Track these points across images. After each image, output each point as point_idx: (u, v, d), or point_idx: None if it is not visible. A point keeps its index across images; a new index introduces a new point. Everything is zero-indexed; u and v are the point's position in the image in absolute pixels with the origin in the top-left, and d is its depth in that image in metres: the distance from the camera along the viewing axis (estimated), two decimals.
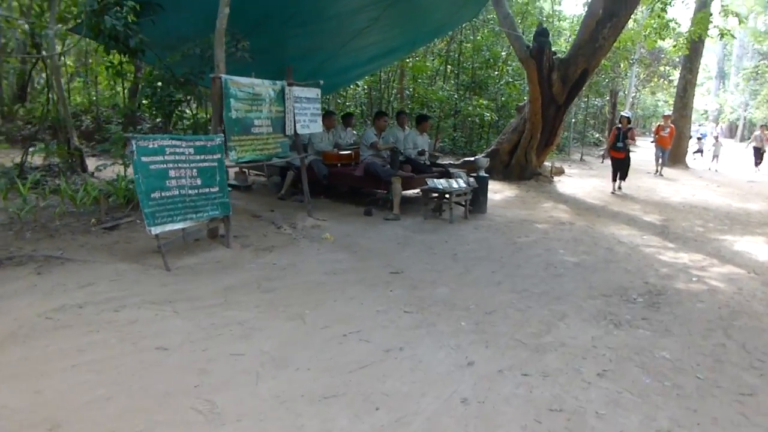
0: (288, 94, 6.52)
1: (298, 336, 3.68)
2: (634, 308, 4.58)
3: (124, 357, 3.24)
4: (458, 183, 7.97)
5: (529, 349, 3.67)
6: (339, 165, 8.78)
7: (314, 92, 7.18)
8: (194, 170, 5.15)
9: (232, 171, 9.72)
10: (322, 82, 7.36)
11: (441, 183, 7.71)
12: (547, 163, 13.98)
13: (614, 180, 11.84)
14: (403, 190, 8.22)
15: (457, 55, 18.89)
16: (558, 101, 12.36)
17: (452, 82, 19.40)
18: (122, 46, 6.76)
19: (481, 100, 16.42)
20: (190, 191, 5.12)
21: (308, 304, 4.25)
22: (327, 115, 9.23)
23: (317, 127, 7.31)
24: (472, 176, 8.53)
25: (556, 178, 13.40)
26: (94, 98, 12.94)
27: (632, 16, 14.17)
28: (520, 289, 4.92)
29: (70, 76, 14.05)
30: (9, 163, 8.41)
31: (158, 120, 9.07)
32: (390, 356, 3.45)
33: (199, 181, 5.20)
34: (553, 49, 12.44)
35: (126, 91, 9.60)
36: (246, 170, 9.72)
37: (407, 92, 18.22)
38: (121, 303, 4.04)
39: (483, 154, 13.75)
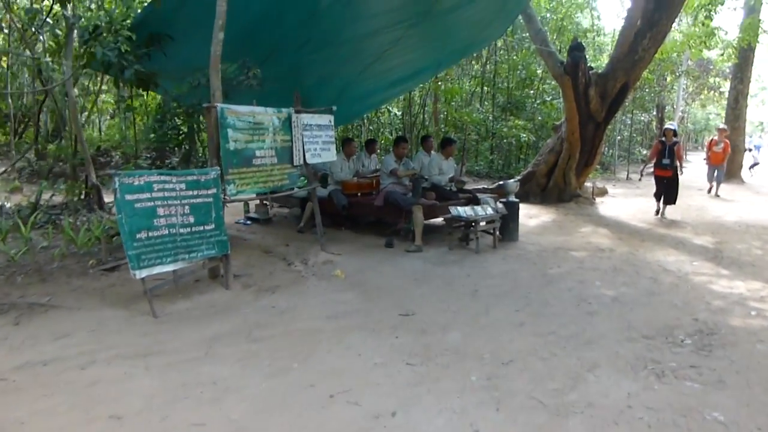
0: (295, 121, 6.15)
1: (277, 398, 3.19)
2: (680, 353, 3.92)
3: (70, 429, 2.82)
4: (485, 210, 7.40)
5: (549, 411, 3.08)
6: (359, 194, 8.35)
7: (326, 119, 6.79)
8: (186, 207, 4.79)
9: (252, 204, 9.44)
10: (334, 108, 6.97)
11: (465, 211, 7.16)
12: (588, 184, 13.22)
13: (657, 198, 10.32)
14: (427, 219, 7.70)
15: (492, 76, 18.38)
16: (597, 118, 11.66)
17: (487, 103, 18.87)
18: (118, 76, 6.60)
19: (517, 121, 15.81)
20: (181, 230, 4.75)
21: (298, 356, 3.77)
22: (346, 142, 8.86)
23: (330, 155, 6.91)
24: (501, 202, 7.95)
25: (598, 200, 12.61)
26: (124, 134, 12.99)
27: (674, 25, 13.40)
28: (545, 331, 4.31)
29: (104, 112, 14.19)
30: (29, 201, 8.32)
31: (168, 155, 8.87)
32: (378, 424, 2.92)
33: (191, 219, 4.83)
34: (590, 64, 11.81)
35: (138, 125, 9.51)
36: (266, 202, 9.39)
37: (441, 115, 17.78)
38: (91, 358, 3.66)
39: (518, 177, 13.14)
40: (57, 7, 6.72)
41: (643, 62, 11.14)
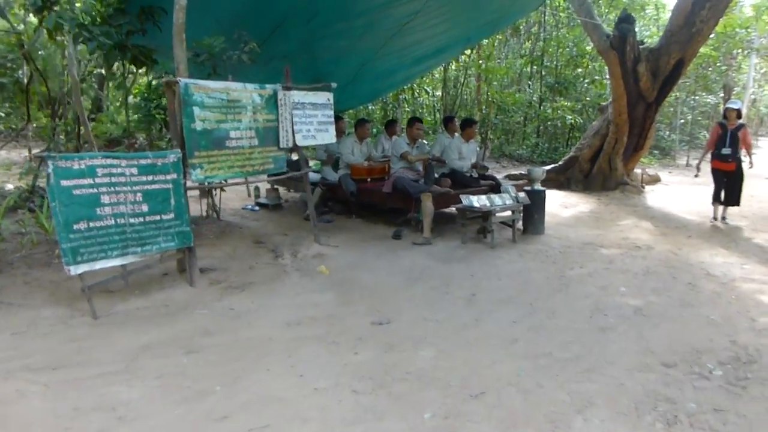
0: (282, 99, 5.52)
1: None
2: (705, 389, 3.10)
3: None
4: (503, 200, 6.60)
5: None
6: (369, 180, 7.67)
7: (323, 96, 6.13)
8: (138, 194, 4.25)
9: (263, 188, 8.94)
10: (334, 84, 6.29)
11: (479, 200, 6.38)
12: (637, 171, 12.07)
13: (716, 201, 7.91)
14: (441, 208, 6.97)
15: (541, 54, 17.23)
16: (647, 98, 10.55)
17: (536, 83, 17.74)
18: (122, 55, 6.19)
19: (563, 102, 14.69)
20: (132, 220, 4.22)
21: (228, 375, 3.16)
22: (359, 124, 8.19)
23: (328, 137, 6.25)
24: (525, 190, 7.11)
25: (647, 188, 11.49)
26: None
27: None
28: (540, 352, 3.56)
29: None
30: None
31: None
32: None
33: (145, 207, 4.29)
34: (641, 38, 10.67)
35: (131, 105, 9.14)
36: (277, 187, 8.86)
37: (483, 96, 16.82)
38: None
39: (559, 162, 12.15)
40: None
41: (701, 36, 9.94)
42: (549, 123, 15.58)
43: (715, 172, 7.84)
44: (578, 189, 11.35)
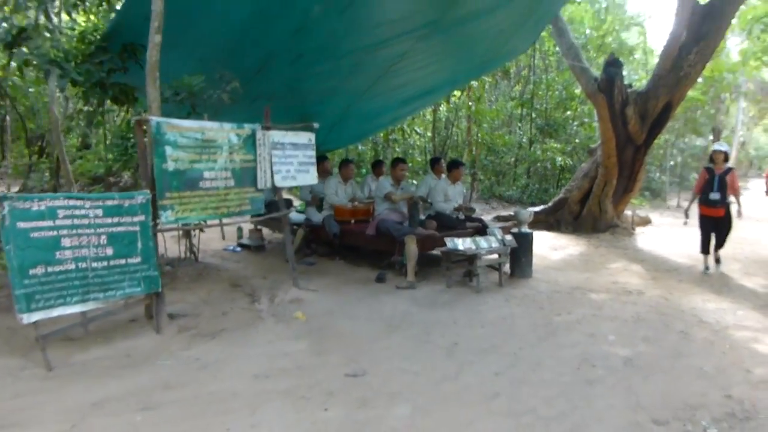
0: (261, 139, 5.38)
1: None
2: None
3: None
4: (488, 243, 6.43)
5: None
6: (353, 221, 7.50)
7: (304, 137, 6.01)
8: (103, 237, 4.05)
9: (246, 228, 8.75)
10: (317, 125, 6.19)
11: (463, 243, 6.20)
12: (628, 212, 11.97)
13: (705, 251, 7.40)
14: (426, 251, 6.77)
15: (531, 97, 17.35)
16: (636, 141, 10.53)
17: (526, 125, 17.81)
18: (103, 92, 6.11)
19: (552, 144, 14.70)
20: (95, 264, 4.01)
21: None
22: (344, 164, 8.07)
23: (310, 178, 6.10)
24: (512, 233, 6.95)
25: (638, 230, 11.36)
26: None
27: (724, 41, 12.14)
28: (522, 408, 3.32)
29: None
30: None
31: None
32: None
33: (109, 251, 4.09)
34: (628, 82, 10.71)
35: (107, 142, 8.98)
36: (260, 227, 8.67)
37: (473, 138, 16.83)
38: None
39: (548, 204, 12.05)
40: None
41: (689, 80, 9.99)
42: (539, 164, 15.55)
43: (703, 219, 7.37)
44: (568, 231, 11.21)
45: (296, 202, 10.04)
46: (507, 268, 6.91)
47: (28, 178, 7.88)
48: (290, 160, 5.80)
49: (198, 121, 4.86)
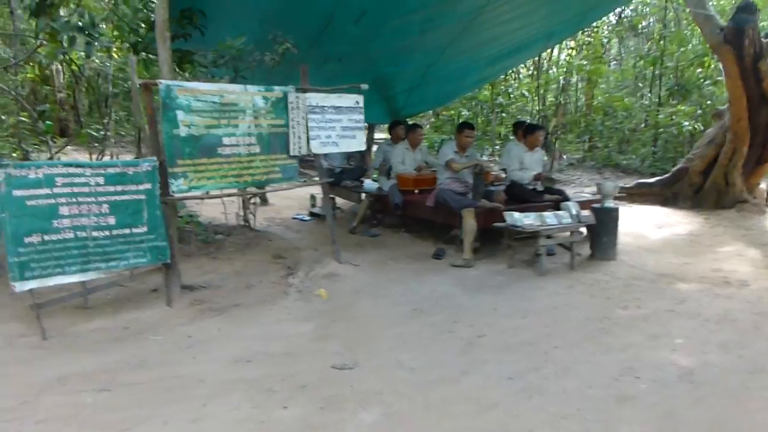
0: (294, 102, 5.01)
1: None
2: None
3: None
4: (558, 218, 5.62)
5: None
6: (416, 191, 6.95)
7: (350, 99, 5.55)
8: (105, 206, 3.94)
9: (319, 198, 8.53)
10: (366, 86, 5.67)
11: (525, 218, 5.46)
12: (762, 186, 10.19)
13: None
14: (489, 225, 6.09)
15: (660, 54, 15.41)
16: None
17: (657, 86, 15.87)
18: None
19: (679, 106, 12.93)
20: (95, 233, 3.90)
21: (116, 426, 2.67)
22: (411, 129, 7.48)
23: (356, 144, 5.66)
24: (594, 208, 6.06)
25: None
26: None
27: None
28: (514, 428, 2.70)
29: None
30: None
31: None
32: None
33: (112, 220, 3.97)
34: (765, 32, 8.99)
35: None
36: (333, 197, 8.41)
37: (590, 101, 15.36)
38: None
39: (669, 175, 10.60)
40: None
41: None
42: (661, 130, 13.76)
43: None
44: (686, 206, 9.77)
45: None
46: (586, 248, 6.06)
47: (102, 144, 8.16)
48: (332, 124, 5.39)
49: (217, 84, 4.61)
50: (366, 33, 7.15)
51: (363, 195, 7.53)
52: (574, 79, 15.15)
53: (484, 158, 8.33)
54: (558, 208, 6.06)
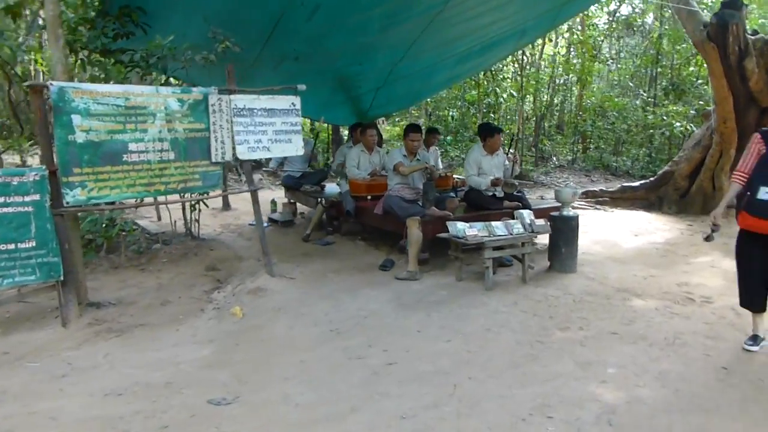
0: (216, 105, 4.66)
1: None
2: None
3: None
4: (509, 228, 5.23)
5: None
6: (369, 198, 6.58)
7: (285, 102, 5.20)
8: None
9: (280, 203, 8.20)
10: (303, 87, 5.32)
11: (469, 229, 5.07)
12: None
13: (751, 304, 3.69)
14: (436, 235, 5.67)
15: (656, 52, 14.96)
16: (760, 101, 8.40)
17: (653, 86, 15.41)
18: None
19: (671, 106, 12.46)
20: None
21: None
22: (363, 130, 7.05)
23: (292, 148, 5.30)
24: (552, 217, 5.67)
25: None
26: None
27: None
28: None
29: None
30: None
31: None
32: None
33: None
34: (755, 27, 8.54)
35: None
36: (294, 202, 8.07)
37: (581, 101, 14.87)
38: None
39: (654, 178, 10.15)
40: None
41: None
42: (652, 131, 13.28)
43: (746, 240, 3.70)
44: (671, 211, 9.36)
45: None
46: (546, 259, 5.69)
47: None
48: (263, 128, 5.04)
49: (122, 85, 4.28)
50: (321, 30, 6.76)
51: (320, 201, 7.17)
52: (562, 80, 14.67)
53: (439, 163, 7.87)
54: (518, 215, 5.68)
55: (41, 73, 13.30)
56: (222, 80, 5.20)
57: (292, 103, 5.26)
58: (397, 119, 18.61)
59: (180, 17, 6.20)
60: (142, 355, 3.60)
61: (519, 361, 3.54)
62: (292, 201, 8.04)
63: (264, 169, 12.22)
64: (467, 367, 3.44)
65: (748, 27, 8.40)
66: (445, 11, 6.81)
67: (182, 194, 4.75)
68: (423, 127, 8.23)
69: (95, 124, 4.02)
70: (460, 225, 5.07)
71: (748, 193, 3.54)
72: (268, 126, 5.07)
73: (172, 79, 6.66)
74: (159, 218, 7.84)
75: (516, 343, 3.83)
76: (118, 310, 4.32)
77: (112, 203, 4.50)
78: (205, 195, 5.84)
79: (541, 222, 5.47)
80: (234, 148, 4.82)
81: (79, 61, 6.34)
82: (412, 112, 19.12)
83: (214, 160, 4.70)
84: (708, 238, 3.89)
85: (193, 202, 6.29)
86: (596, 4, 14.94)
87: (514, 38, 8.34)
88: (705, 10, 9.61)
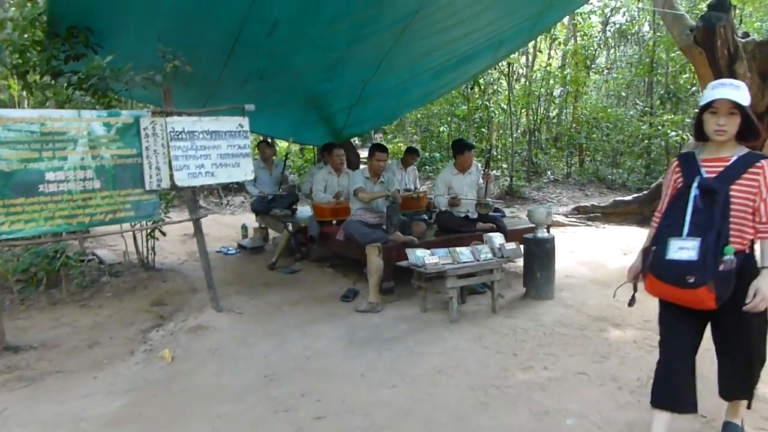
0: (149, 129, 4.31)
1: None
2: None
3: None
4: (476, 254, 4.82)
5: None
6: (334, 222, 6.19)
7: (232, 123, 4.85)
8: None
9: (251, 229, 7.84)
10: (252, 107, 4.97)
11: (429, 257, 4.66)
12: None
13: (666, 402, 2.50)
14: (398, 261, 5.26)
15: (651, 60, 14.57)
16: (754, 107, 7.89)
17: (650, 95, 15.00)
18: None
19: (665, 115, 12.05)
20: None
21: None
22: (329, 150, 6.69)
23: (240, 173, 4.93)
24: (526, 239, 5.27)
25: None
26: None
27: None
28: None
29: None
30: None
31: None
32: None
33: None
34: (745, 30, 8.14)
35: None
36: (265, 227, 7.70)
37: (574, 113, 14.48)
38: None
39: (646, 192, 9.72)
40: None
41: None
42: (647, 142, 12.85)
43: (666, 311, 2.61)
44: None
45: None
46: (520, 286, 5.27)
47: None
48: (206, 152, 4.67)
49: (38, 110, 3.93)
50: (284, 46, 6.42)
51: (287, 226, 6.79)
52: (557, 92, 14.30)
53: (417, 182, 7.49)
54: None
55: None
56: (182, 101, 4.87)
57: (240, 125, 4.90)
58: (390, 136, 18.30)
59: (132, 37, 5.88)
60: (45, 408, 3.21)
61: (466, 412, 3.12)
62: (263, 226, 7.67)
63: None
64: (405, 422, 3.02)
65: (739, 29, 8.01)
66: (412, 24, 6.46)
67: (120, 224, 4.36)
68: (403, 147, 7.91)
69: (6, 153, 3.68)
70: (420, 252, 4.66)
71: (653, 248, 2.40)
72: (212, 150, 4.70)
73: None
74: (126, 246, 7.50)
75: (468, 388, 3.41)
76: (37, 354, 3.95)
77: (29, 238, 4.12)
78: (161, 222, 5.52)
79: (512, 246, 5.05)
80: (172, 175, 4.45)
81: (23, 85, 6.06)
82: (408, 129, 18.81)
83: (148, 188, 4.33)
84: (631, 303, 2.77)
85: (149, 231, 5.93)
86: (590, 14, 14.66)
87: (490, 50, 7.97)
88: (690, 13, 9.19)
